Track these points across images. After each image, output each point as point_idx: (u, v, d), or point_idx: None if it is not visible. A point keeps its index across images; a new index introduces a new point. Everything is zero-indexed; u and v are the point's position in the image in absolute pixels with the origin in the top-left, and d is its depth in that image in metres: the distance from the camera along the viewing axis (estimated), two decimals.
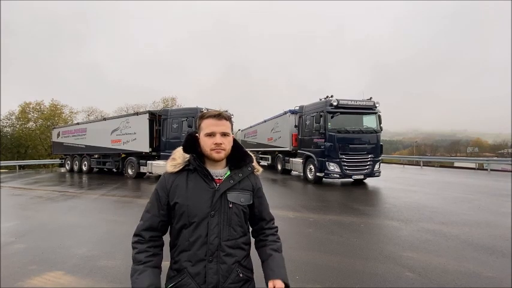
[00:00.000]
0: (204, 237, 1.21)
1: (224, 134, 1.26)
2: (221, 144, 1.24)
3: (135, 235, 1.28)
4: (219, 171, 1.30)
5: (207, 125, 1.26)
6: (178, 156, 1.31)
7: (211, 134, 1.25)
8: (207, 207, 1.23)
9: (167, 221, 1.30)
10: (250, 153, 1.39)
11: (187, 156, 1.29)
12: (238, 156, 1.35)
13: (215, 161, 1.28)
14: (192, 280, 1.19)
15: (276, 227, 1.45)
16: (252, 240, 1.41)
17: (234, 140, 1.36)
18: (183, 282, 1.20)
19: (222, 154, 1.26)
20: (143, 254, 1.23)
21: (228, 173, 1.31)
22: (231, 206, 1.26)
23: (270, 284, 1.25)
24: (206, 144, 1.25)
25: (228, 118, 1.30)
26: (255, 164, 1.40)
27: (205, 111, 1.32)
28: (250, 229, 1.42)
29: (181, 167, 1.28)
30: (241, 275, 1.25)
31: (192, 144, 1.31)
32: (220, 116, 1.27)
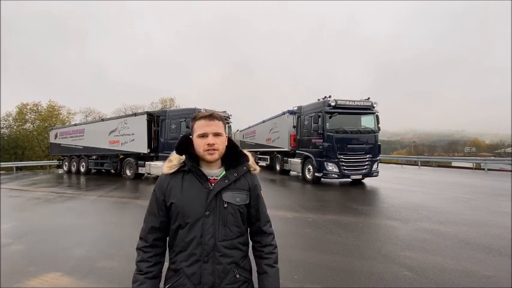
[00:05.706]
0: (199, 237, 1.20)
1: (216, 134, 1.25)
2: (214, 144, 1.23)
3: (140, 238, 1.29)
4: (214, 172, 1.30)
5: (199, 126, 1.25)
6: (175, 158, 1.31)
7: (203, 135, 1.24)
8: (201, 208, 1.22)
9: (167, 221, 1.29)
10: (247, 153, 1.38)
11: (184, 157, 1.29)
12: (233, 156, 1.34)
13: (209, 162, 1.27)
14: (188, 280, 1.19)
15: (273, 233, 1.41)
16: (250, 243, 1.39)
17: (229, 140, 1.34)
18: (179, 283, 1.20)
19: (216, 155, 1.25)
20: (145, 264, 1.24)
21: (224, 173, 1.30)
22: (226, 205, 1.24)
23: None
24: (199, 145, 1.24)
25: (221, 118, 1.29)
26: (251, 163, 1.37)
27: (197, 113, 1.31)
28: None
29: (176, 168, 1.28)
30: (238, 276, 1.23)
31: (185, 146, 1.30)
32: (211, 116, 1.26)
